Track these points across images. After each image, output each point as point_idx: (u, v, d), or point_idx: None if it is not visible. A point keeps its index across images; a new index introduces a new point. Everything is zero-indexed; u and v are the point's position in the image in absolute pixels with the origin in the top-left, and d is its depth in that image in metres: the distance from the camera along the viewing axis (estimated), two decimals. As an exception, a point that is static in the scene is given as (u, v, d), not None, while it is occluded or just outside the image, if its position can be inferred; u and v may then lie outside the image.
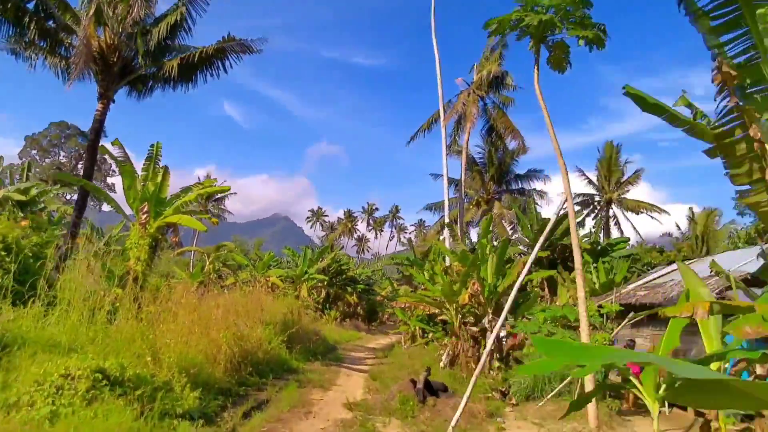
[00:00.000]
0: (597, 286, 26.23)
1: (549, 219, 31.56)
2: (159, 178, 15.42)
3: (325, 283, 39.85)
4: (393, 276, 76.43)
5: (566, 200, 10.98)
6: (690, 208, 62.77)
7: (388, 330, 48.32)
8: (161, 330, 9.70)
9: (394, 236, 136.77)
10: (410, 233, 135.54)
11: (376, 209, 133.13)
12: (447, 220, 33.03)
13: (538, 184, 40.72)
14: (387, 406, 10.78)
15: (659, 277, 17.59)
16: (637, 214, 51.80)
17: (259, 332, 14.29)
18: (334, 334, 28.41)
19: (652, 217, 54.07)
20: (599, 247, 32.36)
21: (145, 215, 13.46)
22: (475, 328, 16.25)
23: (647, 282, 17.60)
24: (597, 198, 52.34)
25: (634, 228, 52.41)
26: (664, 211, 52.54)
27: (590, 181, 52.93)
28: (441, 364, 16.15)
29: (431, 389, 11.37)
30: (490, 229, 19.51)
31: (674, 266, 19.10)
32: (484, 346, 16.41)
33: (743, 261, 13.28)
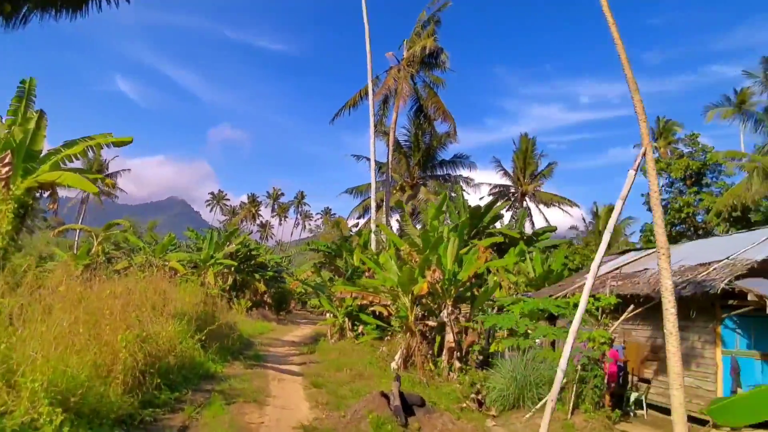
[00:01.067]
0: (533, 275, 25.00)
1: (480, 206, 30.08)
2: (31, 125, 11.48)
3: (233, 269, 35.98)
4: (302, 264, 73.20)
5: (644, 152, 8.74)
6: (594, 203, 65.00)
7: (299, 320, 45.18)
8: (23, 335, 6.29)
9: (299, 223, 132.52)
10: (316, 220, 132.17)
11: (282, 194, 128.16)
12: (374, 204, 30.58)
13: (463, 171, 39.36)
14: (356, 431, 8.03)
15: (624, 265, 16.19)
16: (548, 206, 52.60)
17: (169, 330, 10.94)
18: (246, 327, 24.99)
19: (564, 210, 55.25)
20: (524, 237, 31.47)
21: (6, 168, 9.61)
22: (432, 323, 13.89)
23: (613, 271, 16.15)
24: (512, 190, 52.43)
25: (546, 220, 53.00)
26: (576, 205, 53.70)
27: (506, 173, 52.99)
28: (393, 365, 13.62)
29: (405, 404, 8.80)
30: (411, 215, 17.48)
31: (632, 255, 17.90)
32: (439, 344, 14.14)
33: (743, 247, 11.99)
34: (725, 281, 10.35)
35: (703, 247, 14.22)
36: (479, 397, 10.98)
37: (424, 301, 14.43)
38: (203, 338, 12.46)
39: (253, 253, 40.63)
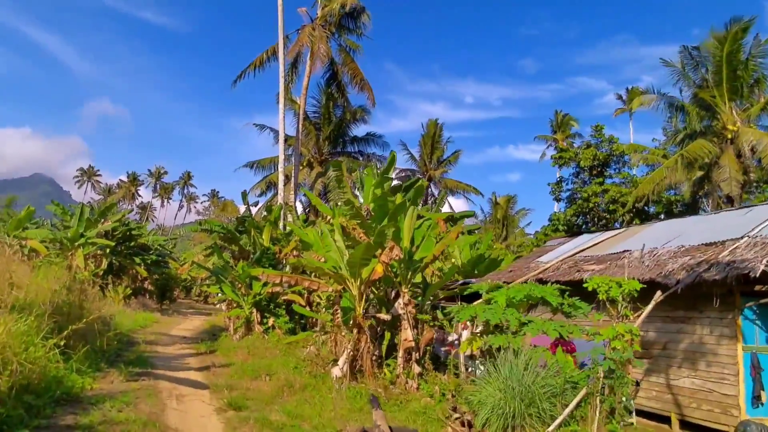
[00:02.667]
0: (461, 261, 22.89)
1: (401, 184, 27.52)
2: None
3: (108, 250, 30.47)
4: (188, 249, 66.75)
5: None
6: (493, 193, 65.74)
7: (185, 310, 40.08)
8: None
9: (184, 206, 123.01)
10: (202, 202, 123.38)
11: (165, 173, 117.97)
12: (282, 177, 26.92)
13: (377, 150, 36.55)
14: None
15: (589, 248, 14.25)
16: (453, 193, 51.90)
17: (8, 331, 6.96)
18: (125, 319, 20.41)
19: (467, 198, 54.90)
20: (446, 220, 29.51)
21: None
22: (385, 316, 10.86)
23: (578, 253, 14.14)
24: (418, 175, 50.87)
25: (451, 207, 52.06)
26: (480, 193, 53.49)
27: (413, 158, 51.48)
28: (336, 371, 10.39)
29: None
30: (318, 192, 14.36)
31: (589, 237, 16.10)
32: (388, 343, 11.22)
33: (740, 225, 10.27)
34: (763, 261, 8.44)
35: (685, 227, 12.54)
36: (466, 417, 8.17)
37: (373, 288, 11.41)
38: (64, 340, 8.49)
39: (134, 233, 34.99)
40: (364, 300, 10.84)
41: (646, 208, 34.37)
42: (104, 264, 31.57)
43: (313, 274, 12.34)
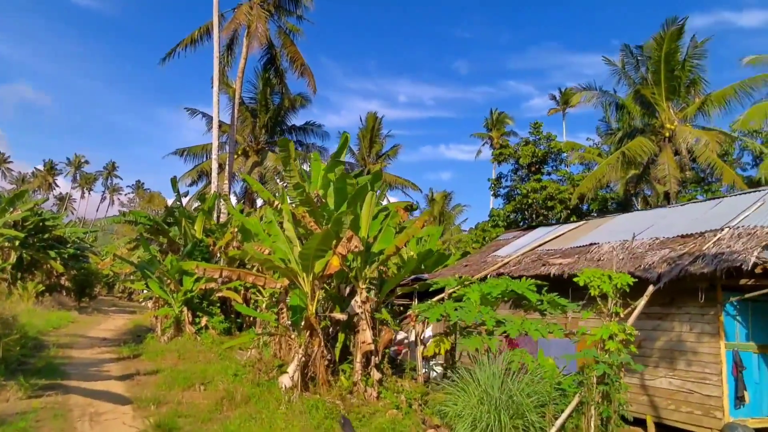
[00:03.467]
0: (406, 256, 21.94)
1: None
2: None
3: (17, 242, 27.37)
4: (110, 243, 62.38)
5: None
6: (431, 189, 65.76)
7: (106, 308, 37.03)
8: None
9: (106, 198, 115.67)
10: (127, 194, 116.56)
11: (86, 162, 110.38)
12: (215, 165, 25.01)
13: (316, 140, 35.00)
14: None
15: (554, 239, 13.59)
16: (392, 188, 51.23)
17: None
18: (35, 320, 18.02)
19: (405, 194, 54.35)
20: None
21: None
22: (340, 316, 9.59)
23: (538, 246, 13.46)
24: (357, 168, 49.82)
25: (389, 201, 51.14)
26: (418, 188, 53.11)
27: (352, 151, 50.38)
28: (284, 380, 9.02)
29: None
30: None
31: (546, 230, 15.50)
32: (342, 346, 10.04)
33: (710, 217, 9.81)
34: (755, 253, 7.89)
35: (652, 219, 12.05)
36: None
37: (326, 284, 10.12)
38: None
39: (48, 224, 31.73)
40: (316, 298, 9.54)
41: (580, 205, 34.83)
42: (12, 258, 28.45)
43: (255, 268, 10.91)
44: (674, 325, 9.33)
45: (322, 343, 9.11)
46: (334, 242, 9.07)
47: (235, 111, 27.81)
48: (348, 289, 10.78)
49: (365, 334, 9.30)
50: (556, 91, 72.29)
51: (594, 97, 27.51)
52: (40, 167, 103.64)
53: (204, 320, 16.52)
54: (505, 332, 8.07)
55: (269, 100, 33.22)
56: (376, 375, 9.24)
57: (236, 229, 16.72)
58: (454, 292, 9.81)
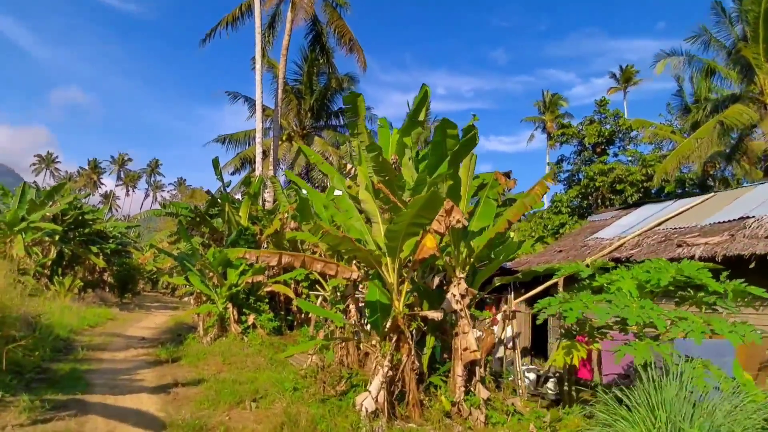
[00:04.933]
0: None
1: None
2: None
3: (57, 237, 26.13)
4: (150, 238, 61.97)
5: None
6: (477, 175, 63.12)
7: (149, 304, 35.84)
8: None
9: (149, 194, 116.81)
10: (170, 191, 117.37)
11: (129, 160, 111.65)
12: (260, 149, 23.05)
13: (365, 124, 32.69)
14: None
15: (676, 216, 10.91)
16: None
17: None
18: (68, 317, 16.37)
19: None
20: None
21: None
22: (435, 314, 7.21)
23: (657, 225, 10.82)
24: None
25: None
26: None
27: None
28: (367, 404, 6.73)
29: None
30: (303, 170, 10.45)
31: (676, 203, 12.78)
32: (431, 353, 7.67)
33: None
34: None
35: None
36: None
37: (414, 274, 7.78)
38: None
39: (88, 218, 30.54)
40: (404, 291, 7.20)
41: (652, 189, 31.59)
42: (53, 253, 27.32)
43: (318, 254, 8.72)
44: None
45: (413, 351, 6.77)
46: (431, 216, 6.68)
47: (279, 92, 25.81)
48: (436, 280, 8.44)
49: (467, 339, 6.93)
50: (617, 68, 67.70)
51: (680, 63, 24.27)
52: (86, 167, 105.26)
53: (251, 318, 14.49)
54: (683, 336, 5.55)
55: (315, 81, 31.15)
56: (483, 393, 6.87)
57: (288, 213, 14.60)
58: (584, 280, 7.29)
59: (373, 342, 7.31)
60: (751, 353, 7.80)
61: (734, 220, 9.28)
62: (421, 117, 9.59)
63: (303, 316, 15.86)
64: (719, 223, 9.53)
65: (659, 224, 10.88)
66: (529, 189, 7.86)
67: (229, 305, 14.38)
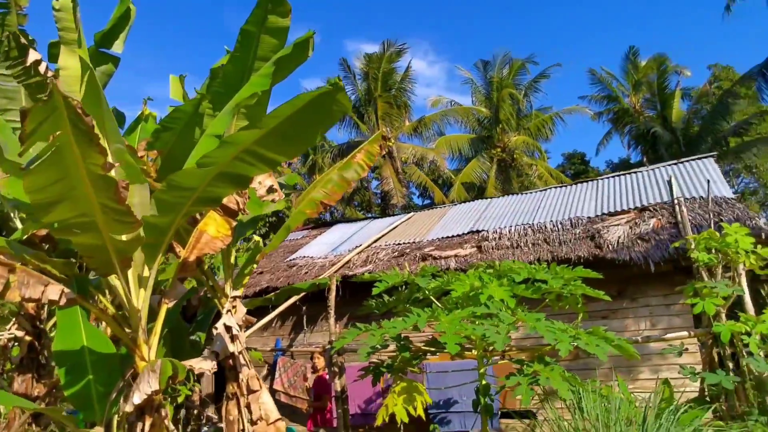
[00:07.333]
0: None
1: None
2: None
3: None
4: None
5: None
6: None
7: None
8: None
9: None
10: None
11: None
12: None
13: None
14: None
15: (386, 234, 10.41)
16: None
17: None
18: None
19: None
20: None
21: None
22: (206, 366, 4.02)
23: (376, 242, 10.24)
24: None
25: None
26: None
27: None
28: None
29: None
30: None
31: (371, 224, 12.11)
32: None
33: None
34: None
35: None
36: None
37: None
38: None
39: None
40: (159, 321, 3.82)
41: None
42: None
43: None
44: (611, 322, 7.26)
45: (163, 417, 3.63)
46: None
47: None
48: (195, 299, 5.35)
49: (260, 402, 4.24)
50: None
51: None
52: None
53: None
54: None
55: None
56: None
57: None
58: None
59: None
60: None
61: (464, 234, 9.23)
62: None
63: None
64: (447, 237, 9.36)
65: (377, 240, 10.20)
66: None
67: None
